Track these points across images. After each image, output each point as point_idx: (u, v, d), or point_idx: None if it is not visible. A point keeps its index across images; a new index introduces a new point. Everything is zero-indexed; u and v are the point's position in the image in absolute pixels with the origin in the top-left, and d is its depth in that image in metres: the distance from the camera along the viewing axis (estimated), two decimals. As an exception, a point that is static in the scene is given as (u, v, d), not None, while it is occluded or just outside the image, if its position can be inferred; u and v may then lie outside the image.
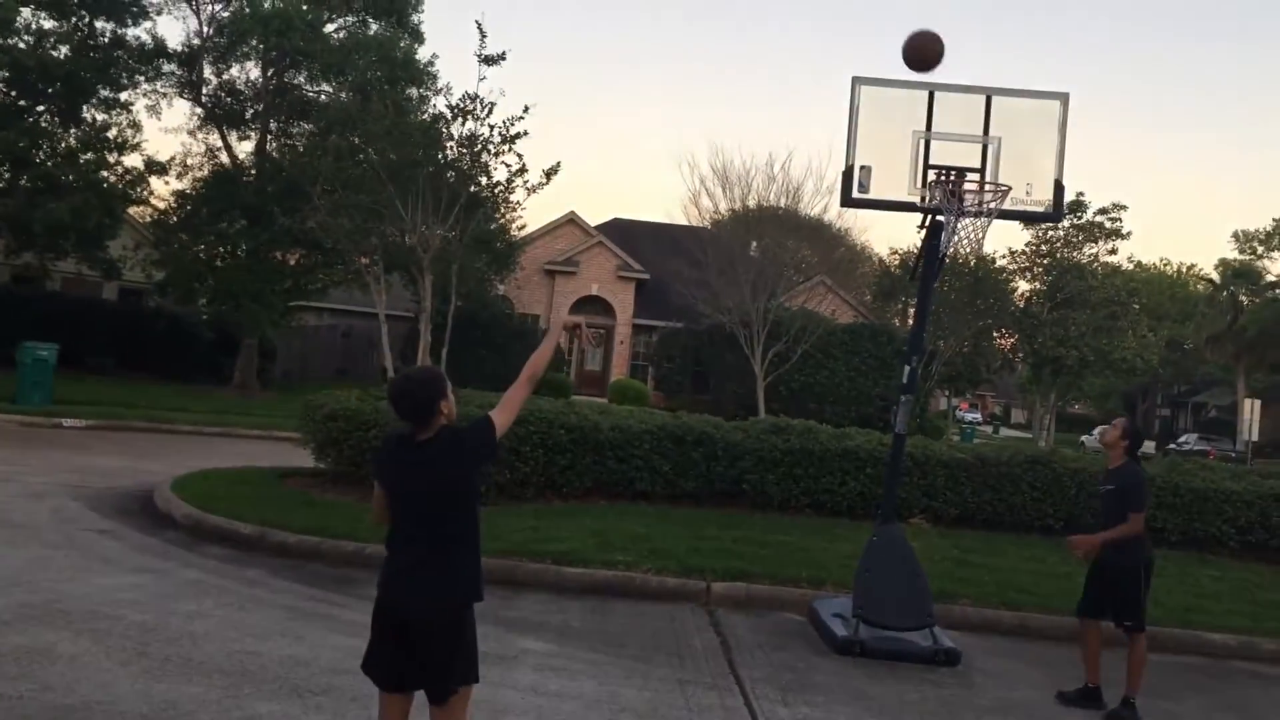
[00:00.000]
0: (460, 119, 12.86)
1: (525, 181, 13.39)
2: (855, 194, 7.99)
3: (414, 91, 26.20)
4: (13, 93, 24.78)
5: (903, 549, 8.22)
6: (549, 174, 13.95)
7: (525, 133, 12.88)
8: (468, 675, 3.98)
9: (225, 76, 28.96)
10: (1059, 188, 8.01)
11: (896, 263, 40.14)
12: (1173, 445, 48.58)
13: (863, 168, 7.89)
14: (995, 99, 7.96)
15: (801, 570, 9.53)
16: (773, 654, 7.54)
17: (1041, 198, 8.06)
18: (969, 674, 7.52)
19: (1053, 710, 6.83)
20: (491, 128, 12.82)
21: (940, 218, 7.87)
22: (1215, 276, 60.70)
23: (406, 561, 3.93)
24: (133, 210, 28.83)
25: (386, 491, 4.01)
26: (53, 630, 6.37)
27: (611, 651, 7.17)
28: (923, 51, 7.34)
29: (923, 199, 7.91)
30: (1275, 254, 57.14)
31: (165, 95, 28.82)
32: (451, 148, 13.11)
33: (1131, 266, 45.95)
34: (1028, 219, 8.36)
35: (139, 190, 26.28)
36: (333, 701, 5.59)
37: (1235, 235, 59.33)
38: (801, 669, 7.23)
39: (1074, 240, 38.14)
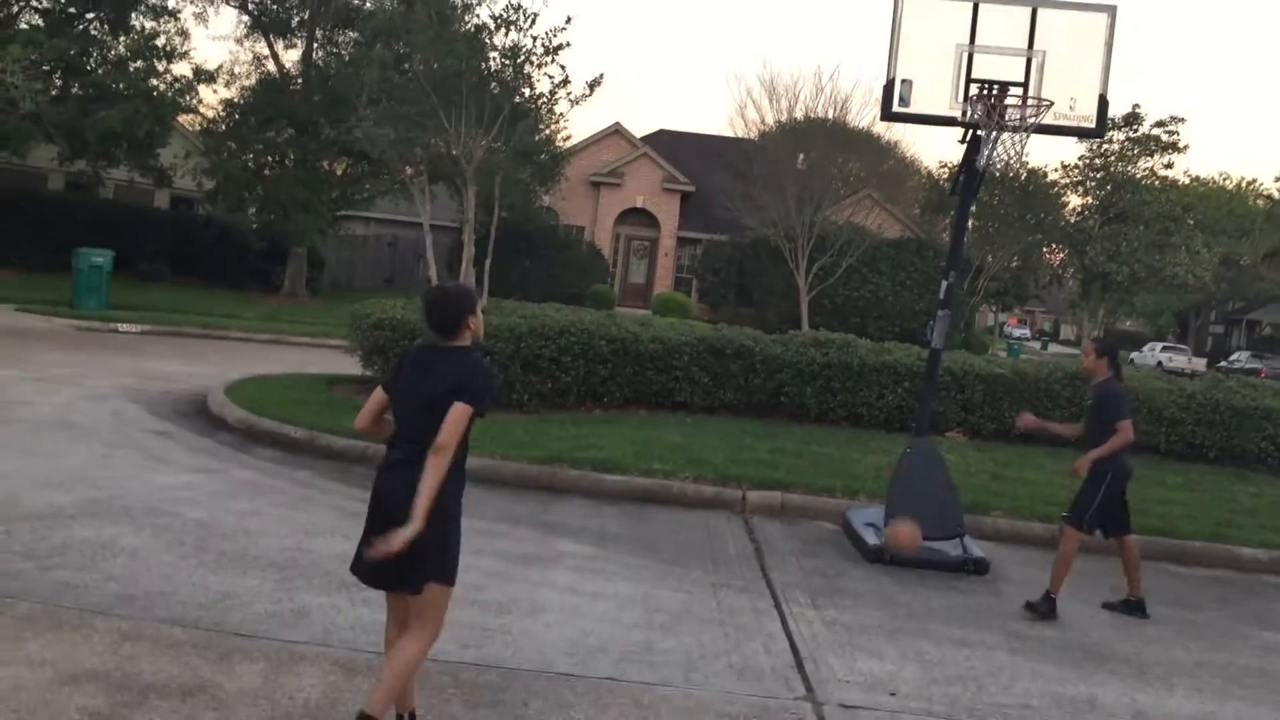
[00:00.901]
0: (503, 29, 12.83)
1: (569, 93, 13.38)
2: (896, 107, 7.97)
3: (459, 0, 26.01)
4: (62, 0, 24.89)
5: (936, 461, 8.36)
6: (592, 85, 13.91)
7: (568, 44, 12.83)
8: (440, 573, 4.00)
9: (272, -17, 28.89)
10: (1103, 102, 7.93)
11: (945, 176, 39.58)
12: (1224, 363, 47.97)
13: (904, 81, 7.85)
14: (1040, 11, 7.86)
15: (836, 480, 9.70)
16: (805, 560, 7.75)
17: (1086, 112, 8.00)
18: (996, 583, 7.69)
19: (1075, 617, 6.99)
20: (535, 39, 12.80)
21: (980, 132, 7.83)
22: (1276, 192, 59.28)
23: (399, 457, 4.01)
24: (182, 119, 29.03)
25: (397, 391, 4.10)
26: (115, 525, 6.69)
27: (647, 556, 7.41)
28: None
29: (963, 113, 7.87)
30: (1339, 168, 55.48)
31: (212, 2, 28.88)
32: (495, 58, 13.09)
33: (1188, 181, 44.92)
34: (1069, 134, 8.28)
35: (188, 99, 26.39)
36: (379, 595, 5.81)
37: (1298, 149, 57.62)
38: (832, 575, 7.44)
39: (1129, 154, 37.34)
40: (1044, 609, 6.90)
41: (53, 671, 4.47)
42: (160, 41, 25.58)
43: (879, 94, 8.36)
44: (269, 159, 28.78)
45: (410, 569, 3.93)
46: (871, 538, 8.08)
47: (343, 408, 11.13)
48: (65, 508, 6.94)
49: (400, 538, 3.77)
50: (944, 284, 8.40)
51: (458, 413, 3.90)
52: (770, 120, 37.29)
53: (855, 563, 7.88)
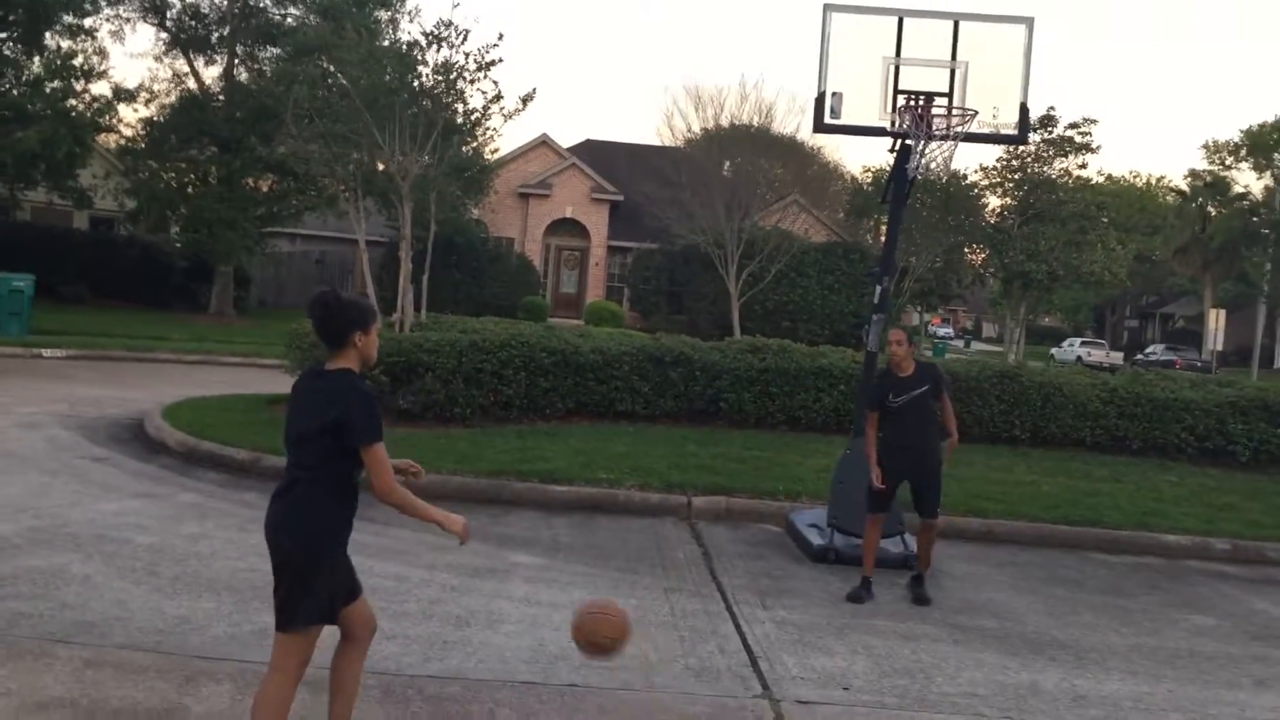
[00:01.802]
0: (435, 46, 12.90)
1: (501, 108, 13.49)
2: (827, 120, 8.21)
3: (383, 14, 25.93)
4: (-28, 21, 24.39)
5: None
6: (525, 100, 14.02)
7: (500, 60, 12.94)
8: (282, 620, 3.81)
9: (189, 0, 28.54)
10: (1024, 110, 8.25)
11: (869, 180, 40.24)
12: (1140, 356, 49.39)
13: (834, 94, 8.09)
14: (962, 24, 8.16)
15: (778, 483, 9.91)
16: (752, 563, 7.93)
17: (1008, 120, 8.31)
18: (938, 578, 7.92)
19: (1013, 608, 7.25)
20: (466, 55, 12.89)
21: (909, 142, 8.10)
22: (1185, 188, 61.13)
23: (278, 486, 3.90)
24: (102, 138, 28.54)
25: (287, 416, 3.93)
26: (63, 553, 6.65)
27: (599, 564, 7.53)
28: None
29: (892, 124, 8.14)
30: (1243, 165, 57.46)
31: (129, 20, 28.48)
32: (426, 75, 13.15)
33: (1102, 180, 46.21)
34: (994, 141, 8.59)
35: (107, 118, 26.00)
36: (338, 614, 5.91)
37: (1205, 146, 59.67)
38: (779, 576, 7.62)
39: (1044, 155, 38.27)
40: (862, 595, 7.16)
41: (19, 701, 4.47)
42: (78, 61, 25.16)
43: (803, 101, 8.64)
44: (192, 177, 28.40)
45: (276, 609, 3.82)
46: (816, 538, 8.29)
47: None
48: (10, 537, 6.87)
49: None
50: (878, 289, 8.65)
51: (372, 455, 3.70)
52: (696, 128, 37.71)
53: (801, 563, 8.07)
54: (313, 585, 3.78)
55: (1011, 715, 5.33)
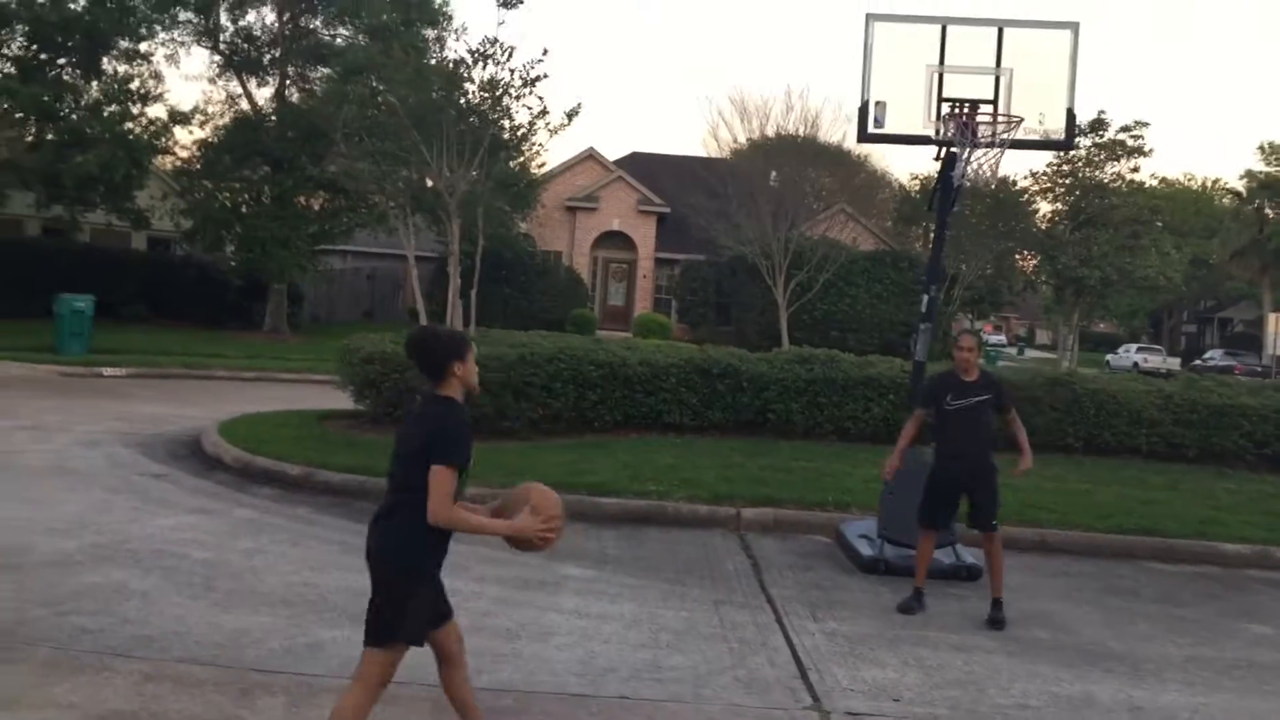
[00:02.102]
0: (481, 63, 13.03)
1: (547, 123, 13.58)
2: (871, 129, 8.20)
3: (430, 32, 26.24)
4: (34, 47, 24.96)
5: (925, 472, 8.51)
6: (570, 115, 14.12)
7: (545, 75, 13.04)
8: (374, 635, 3.94)
9: (241, 23, 29.20)
10: (1070, 116, 8.19)
11: (917, 188, 40.03)
12: (1198, 361, 48.54)
13: (878, 103, 8.09)
14: (1007, 30, 8.12)
15: (827, 494, 9.88)
16: (801, 574, 7.91)
17: (1054, 126, 8.25)
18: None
19: (1067, 618, 7.17)
20: (512, 71, 13.00)
21: (955, 150, 8.06)
22: (1241, 190, 60.07)
23: (377, 509, 4.04)
24: (158, 160, 29.14)
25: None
26: (123, 569, 6.79)
27: (648, 576, 7.56)
28: None
29: (937, 132, 8.11)
30: (1302, 165, 56.34)
31: (183, 44, 29.08)
32: (473, 92, 13.29)
33: (1155, 183, 45.56)
34: (1040, 147, 8.53)
35: (164, 140, 26.56)
36: (390, 627, 5.98)
37: (1261, 147, 58.53)
38: (829, 587, 7.60)
39: (1096, 159, 37.87)
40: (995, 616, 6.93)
41: (81, 714, 4.58)
42: (134, 85, 25.73)
43: (849, 110, 8.65)
44: (246, 197, 28.89)
45: (367, 623, 3.97)
46: (866, 549, 8.25)
47: (337, 443, 11.25)
48: (73, 554, 7.03)
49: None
50: (925, 298, 8.61)
51: (434, 477, 3.80)
52: (742, 139, 37.71)
53: (851, 574, 8.04)
54: (405, 606, 3.92)
55: (1065, 727, 5.28)
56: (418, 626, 3.98)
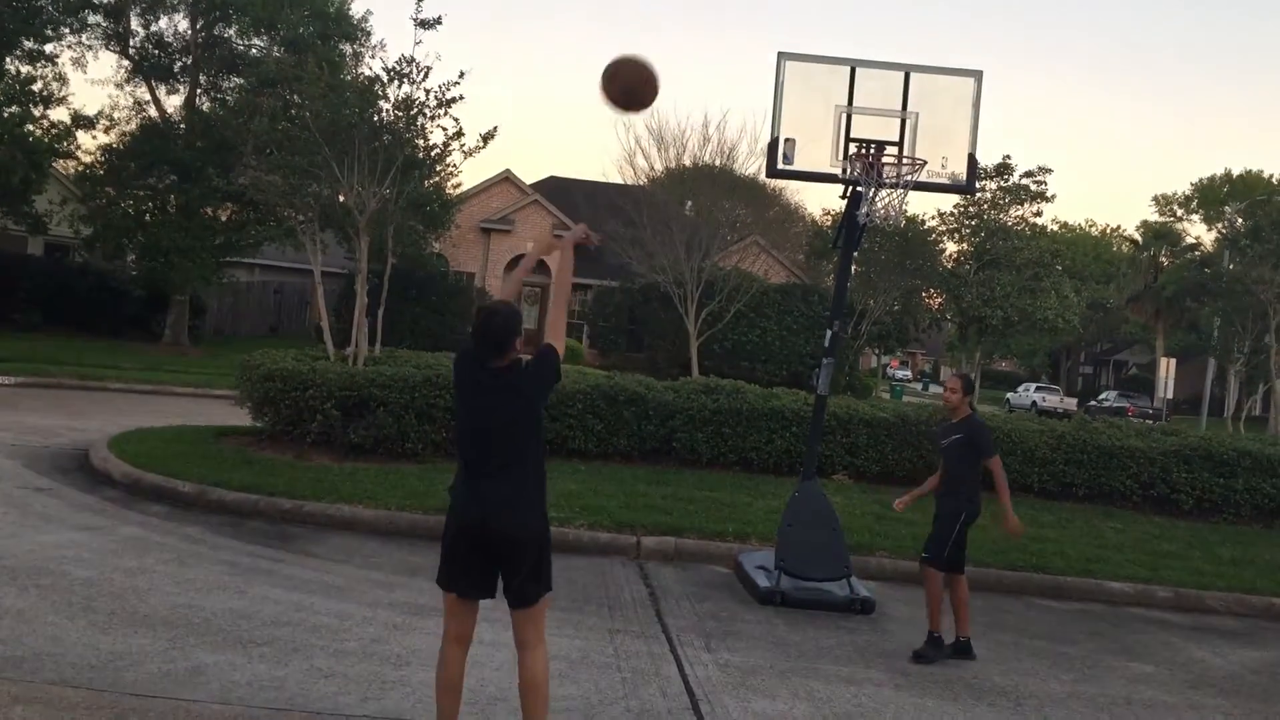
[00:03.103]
0: (396, 82, 12.95)
1: (462, 145, 13.52)
2: (780, 165, 8.32)
3: (347, 48, 26.00)
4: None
5: (823, 504, 8.64)
6: (486, 138, 14.04)
7: (461, 97, 12.98)
8: (549, 583, 4.52)
9: (153, 28, 28.51)
10: (972, 161, 8.40)
11: (829, 223, 40.70)
12: (1093, 402, 50.01)
13: (787, 140, 8.21)
14: (913, 75, 8.32)
15: (728, 525, 9.94)
16: (699, 604, 7.93)
17: (957, 169, 8.46)
18: (882, 621, 7.97)
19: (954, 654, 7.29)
20: (428, 92, 12.92)
21: (860, 189, 8.22)
22: (1137, 238, 62.26)
23: (490, 485, 4.34)
24: (59, 164, 28.30)
25: (463, 414, 4.47)
26: (-2, 586, 6.53)
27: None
28: (634, 92, 5.29)
29: (844, 171, 8.26)
30: (1194, 216, 58.68)
31: (91, 47, 28.36)
32: (387, 110, 13.20)
33: (1056, 228, 47.03)
34: (942, 190, 8.75)
35: (65, 144, 25.83)
36: (275, 651, 5.86)
37: (1156, 199, 60.90)
38: (725, 618, 7.63)
39: (1001, 202, 38.98)
40: (930, 653, 7.03)
41: (-59, 739, 4.38)
42: (37, 86, 24.99)
43: (765, 145, 8.71)
44: (150, 205, 28.17)
45: (527, 587, 4.44)
46: (763, 580, 8.31)
47: (232, 460, 11.00)
48: (-56, 569, 6.75)
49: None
50: (829, 333, 8.74)
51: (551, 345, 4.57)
52: (659, 167, 37.91)
53: (748, 605, 8.08)
54: (549, 558, 4.52)
55: (948, 761, 5.35)
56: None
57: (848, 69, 8.30)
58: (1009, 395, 54.09)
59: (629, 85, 5.14)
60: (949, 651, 7.13)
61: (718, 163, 35.60)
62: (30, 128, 24.66)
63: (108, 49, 28.47)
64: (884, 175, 8.07)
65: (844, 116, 8.28)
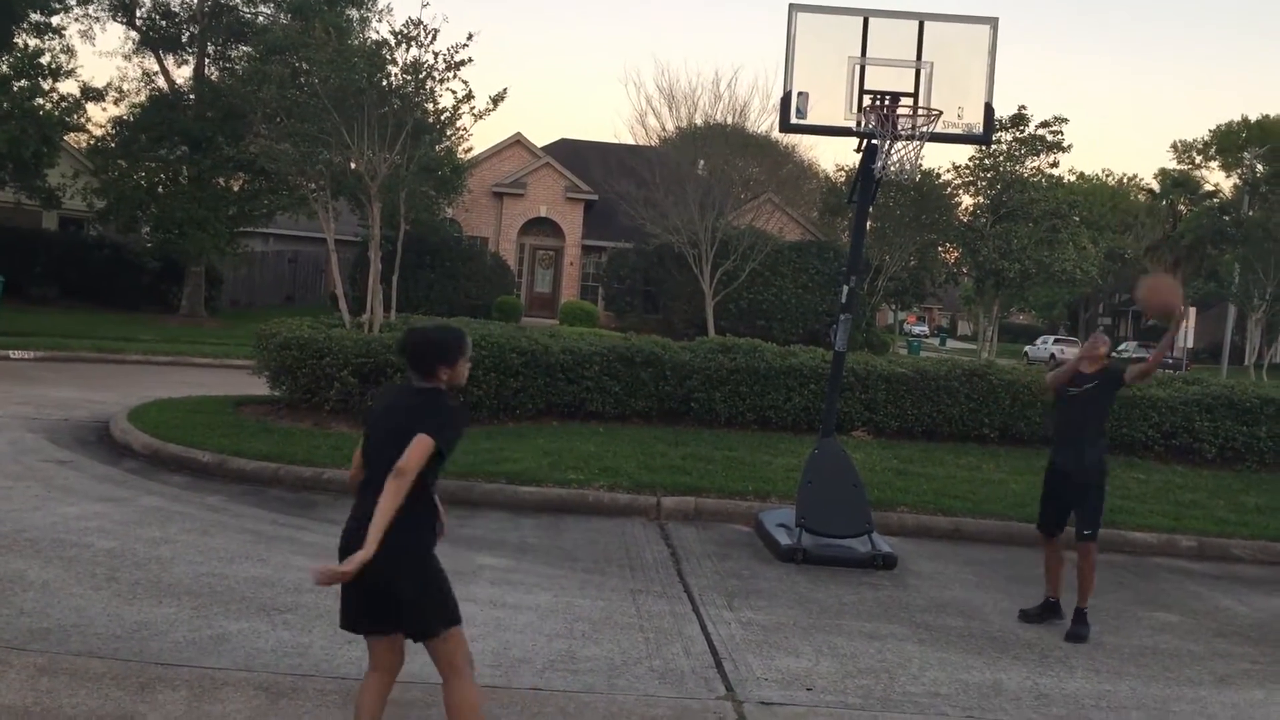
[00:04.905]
0: (404, 45, 12.82)
1: (472, 108, 13.42)
2: (793, 120, 8.20)
3: (354, 13, 25.80)
4: (-62, 20, 24.11)
5: (843, 461, 8.60)
6: (496, 100, 13.92)
7: (470, 59, 12.86)
8: (445, 616, 3.94)
9: (159, -2, 28.34)
10: (989, 111, 8.27)
11: (843, 179, 40.40)
12: (1113, 353, 49.75)
13: (800, 94, 8.09)
14: (927, 24, 8.17)
15: (747, 484, 9.92)
16: (720, 563, 7.92)
17: (973, 120, 8.32)
18: (904, 576, 7.95)
19: (979, 606, 7.27)
20: (436, 54, 12.81)
21: (875, 142, 8.11)
22: (1155, 187, 61.65)
23: (366, 509, 3.79)
24: (70, 138, 28.29)
25: (368, 427, 4.07)
26: (22, 559, 6.57)
27: (566, 565, 7.51)
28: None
29: (858, 124, 8.15)
30: (1212, 163, 58.01)
31: (98, 19, 28.31)
32: (396, 74, 13.08)
33: (1073, 179, 46.59)
34: (958, 141, 8.61)
35: (76, 117, 25.79)
36: (299, 618, 5.87)
37: (1174, 146, 60.23)
38: (747, 576, 7.62)
39: (1016, 154, 38.56)
40: (1082, 630, 6.74)
41: (-31, 711, 4.41)
42: (45, 60, 24.91)
43: (777, 102, 8.59)
44: (162, 177, 28.17)
45: (413, 622, 3.90)
46: (784, 538, 8.29)
47: (252, 429, 11.02)
48: (-32, 543, 6.78)
49: (354, 562, 3.62)
50: (845, 289, 8.66)
51: (417, 443, 3.75)
52: (670, 127, 37.69)
53: (769, 563, 8.07)
54: (441, 587, 4.01)
55: (974, 714, 5.34)
56: (453, 600, 4.01)
57: (860, 19, 8.15)
58: (1027, 348, 53.91)
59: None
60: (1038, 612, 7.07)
61: (729, 120, 35.37)
62: (40, 101, 24.61)
63: (115, 20, 28.43)
64: (899, 127, 7.94)
65: (857, 68, 8.15)
